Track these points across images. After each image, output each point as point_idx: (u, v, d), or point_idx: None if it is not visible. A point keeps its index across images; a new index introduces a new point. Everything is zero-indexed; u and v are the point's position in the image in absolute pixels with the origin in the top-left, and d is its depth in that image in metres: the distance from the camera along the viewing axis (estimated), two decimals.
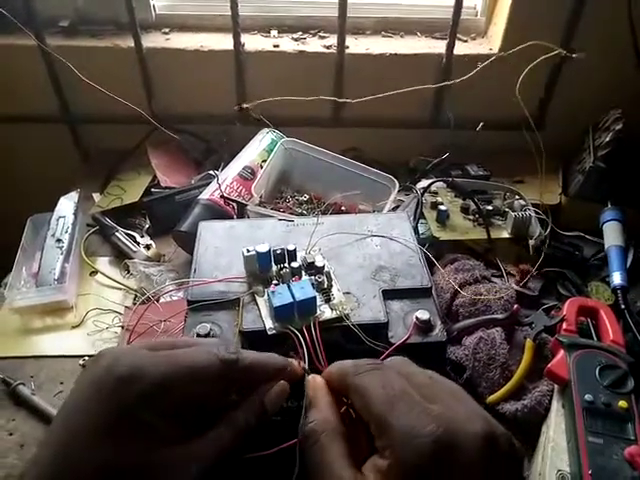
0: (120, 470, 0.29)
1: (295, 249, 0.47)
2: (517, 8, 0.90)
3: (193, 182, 0.91)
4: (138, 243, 0.82)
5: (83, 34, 0.96)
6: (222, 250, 0.51)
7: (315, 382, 0.35)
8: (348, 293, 0.46)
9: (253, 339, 0.43)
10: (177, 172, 0.96)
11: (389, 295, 0.46)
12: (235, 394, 0.36)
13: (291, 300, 0.42)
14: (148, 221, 0.86)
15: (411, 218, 0.73)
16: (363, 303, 0.45)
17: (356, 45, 0.97)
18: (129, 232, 0.84)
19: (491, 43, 0.98)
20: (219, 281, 0.47)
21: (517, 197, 0.84)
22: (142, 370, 0.30)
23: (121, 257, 0.81)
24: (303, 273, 0.47)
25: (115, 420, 0.29)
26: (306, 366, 0.39)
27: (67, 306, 0.73)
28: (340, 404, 0.34)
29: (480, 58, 0.91)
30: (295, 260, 0.47)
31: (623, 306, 0.68)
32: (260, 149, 0.88)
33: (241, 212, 0.76)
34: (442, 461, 0.26)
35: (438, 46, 0.96)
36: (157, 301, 0.72)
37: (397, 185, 0.80)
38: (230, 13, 0.89)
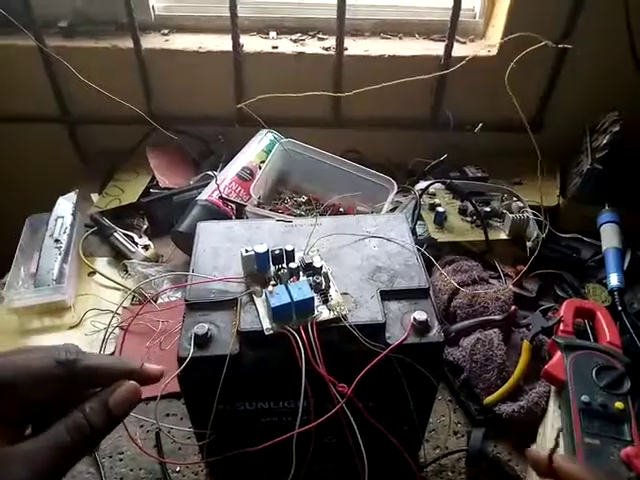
0: None
1: (293, 250, 0.47)
2: (515, 10, 0.91)
3: (192, 183, 0.91)
4: (136, 243, 0.82)
5: (82, 35, 0.96)
6: (220, 251, 0.51)
7: None
8: (346, 294, 0.46)
9: (251, 339, 0.43)
10: (176, 173, 0.96)
11: (387, 296, 0.46)
12: (83, 395, 0.35)
13: (289, 300, 0.42)
14: (146, 222, 0.87)
15: (409, 219, 0.73)
16: (361, 304, 0.45)
17: (355, 47, 0.97)
18: (127, 232, 0.84)
19: (489, 45, 0.98)
20: (217, 280, 0.47)
21: (515, 199, 0.84)
22: None
23: (119, 257, 0.81)
24: (301, 274, 0.47)
25: None
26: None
27: (65, 306, 0.73)
28: None
29: (478, 60, 0.91)
30: (293, 261, 0.47)
31: (620, 308, 0.69)
32: (259, 150, 0.88)
33: (239, 213, 0.76)
34: None
35: (436, 48, 0.96)
36: (155, 301, 0.72)
37: (395, 186, 0.80)
38: (229, 14, 0.89)
